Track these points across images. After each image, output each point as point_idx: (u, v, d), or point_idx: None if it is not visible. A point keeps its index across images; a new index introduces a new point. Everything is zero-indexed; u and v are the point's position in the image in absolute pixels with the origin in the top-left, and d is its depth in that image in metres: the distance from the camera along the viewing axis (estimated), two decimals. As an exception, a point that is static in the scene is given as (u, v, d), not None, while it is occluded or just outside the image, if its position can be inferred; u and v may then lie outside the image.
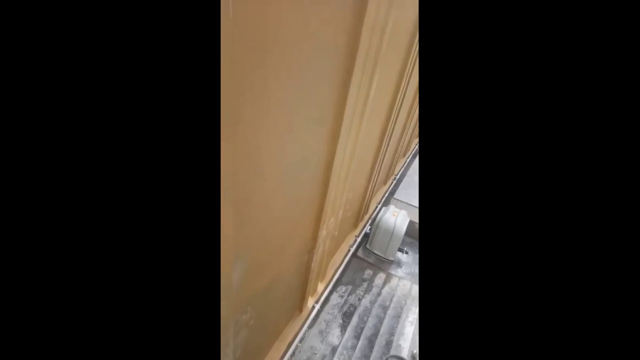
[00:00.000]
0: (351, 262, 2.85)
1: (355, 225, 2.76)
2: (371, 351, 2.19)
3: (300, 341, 2.14)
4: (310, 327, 2.26)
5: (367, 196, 2.59)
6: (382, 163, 2.53)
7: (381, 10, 1.10)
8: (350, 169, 1.65)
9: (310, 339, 2.22)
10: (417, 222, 3.19)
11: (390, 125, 2.22)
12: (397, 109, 2.20)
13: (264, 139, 0.76)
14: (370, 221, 2.99)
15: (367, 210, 2.90)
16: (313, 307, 2.05)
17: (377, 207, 3.19)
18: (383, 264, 2.94)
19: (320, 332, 2.28)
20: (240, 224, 0.80)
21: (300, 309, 1.99)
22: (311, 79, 0.88)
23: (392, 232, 2.80)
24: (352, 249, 2.58)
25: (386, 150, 2.45)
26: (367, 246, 3.03)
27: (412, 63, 2.13)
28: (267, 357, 1.85)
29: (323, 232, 1.68)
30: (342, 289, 2.65)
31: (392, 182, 3.76)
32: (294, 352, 2.08)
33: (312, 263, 1.75)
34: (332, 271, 2.33)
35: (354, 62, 1.06)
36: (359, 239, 2.72)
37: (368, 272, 2.84)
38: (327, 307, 2.47)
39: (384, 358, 2.16)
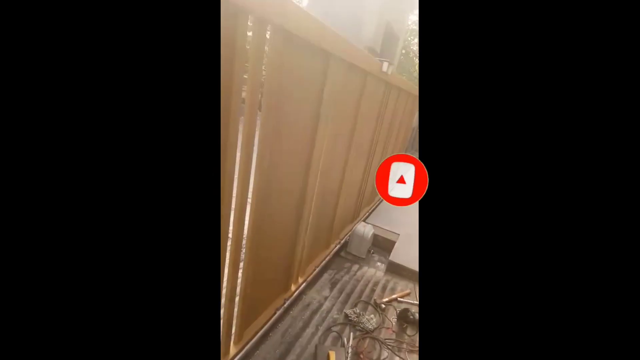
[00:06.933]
0: (336, 259, 4.32)
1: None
2: (349, 299, 3.58)
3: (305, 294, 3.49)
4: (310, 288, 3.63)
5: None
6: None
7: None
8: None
9: (312, 293, 3.60)
10: (379, 234, 4.77)
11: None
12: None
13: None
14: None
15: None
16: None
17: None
18: (357, 259, 4.43)
19: (317, 290, 3.68)
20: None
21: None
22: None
23: (362, 237, 4.38)
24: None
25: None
26: (347, 249, 4.55)
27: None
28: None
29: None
30: (331, 272, 4.08)
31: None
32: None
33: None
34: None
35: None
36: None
37: (347, 264, 4.31)
38: (320, 280, 3.88)
39: (356, 302, 3.54)
